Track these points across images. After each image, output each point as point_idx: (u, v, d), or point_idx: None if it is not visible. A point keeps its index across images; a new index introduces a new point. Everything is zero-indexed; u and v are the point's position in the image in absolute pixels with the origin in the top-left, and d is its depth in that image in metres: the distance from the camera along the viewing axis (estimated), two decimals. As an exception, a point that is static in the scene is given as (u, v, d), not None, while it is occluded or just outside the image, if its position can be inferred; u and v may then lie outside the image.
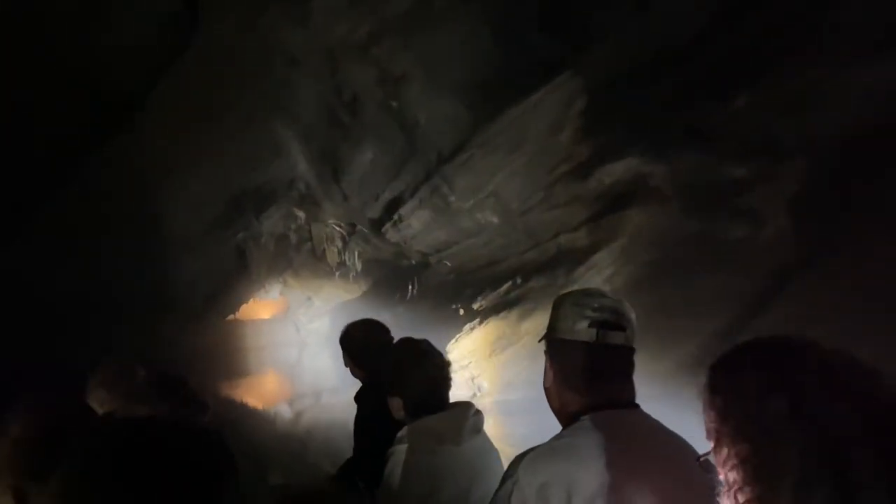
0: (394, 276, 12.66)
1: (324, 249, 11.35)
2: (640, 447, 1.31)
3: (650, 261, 7.34)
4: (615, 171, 7.24)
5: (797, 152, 6.25)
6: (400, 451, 1.85)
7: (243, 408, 11.24)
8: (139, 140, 5.93)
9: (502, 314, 8.54)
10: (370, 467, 2.00)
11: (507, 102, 7.28)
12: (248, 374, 15.43)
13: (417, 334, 2.17)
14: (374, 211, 9.09)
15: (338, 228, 10.08)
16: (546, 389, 1.46)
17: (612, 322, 1.37)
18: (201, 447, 0.78)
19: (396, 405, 2.00)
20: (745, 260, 6.67)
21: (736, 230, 6.71)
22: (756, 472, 0.77)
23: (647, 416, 1.40)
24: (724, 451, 0.82)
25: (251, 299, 13.38)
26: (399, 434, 1.90)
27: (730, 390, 0.83)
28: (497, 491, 1.35)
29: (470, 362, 8.61)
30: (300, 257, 12.54)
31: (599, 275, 7.71)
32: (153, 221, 7.07)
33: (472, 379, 8.66)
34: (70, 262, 6.59)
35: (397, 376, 2.01)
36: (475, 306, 8.93)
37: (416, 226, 8.94)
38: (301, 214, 9.35)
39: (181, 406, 1.84)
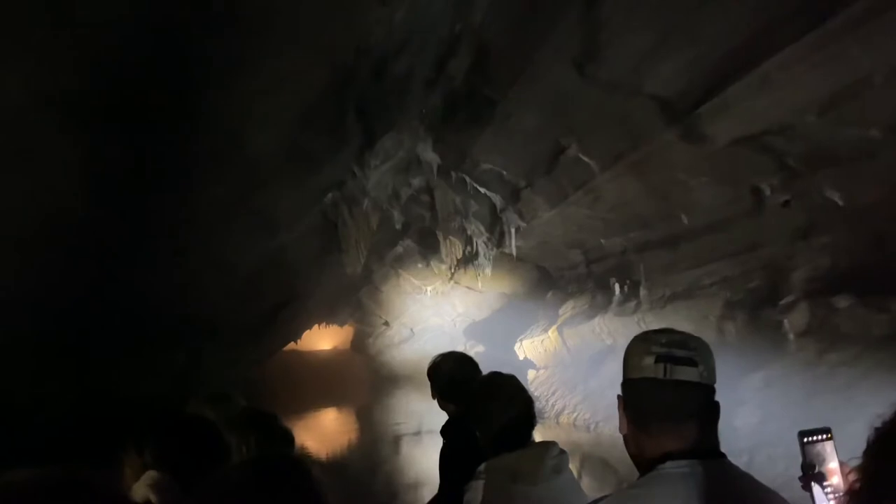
0: (544, 280, 8.43)
1: (445, 236, 7.62)
2: (722, 502, 1.20)
3: None
4: None
5: None
6: (476, 486, 1.92)
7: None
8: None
9: None
10: (454, 502, 2.10)
11: None
12: (306, 413, 13.88)
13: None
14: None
15: (484, 192, 6.19)
16: (623, 437, 1.36)
17: (680, 357, 1.25)
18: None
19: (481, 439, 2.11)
20: None
21: None
22: None
23: (735, 468, 1.27)
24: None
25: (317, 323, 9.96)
26: (478, 469, 1.96)
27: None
28: None
29: None
30: (398, 250, 8.87)
31: None
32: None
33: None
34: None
35: (475, 409, 2.10)
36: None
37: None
38: (433, 158, 5.52)
39: (269, 439, 1.95)
